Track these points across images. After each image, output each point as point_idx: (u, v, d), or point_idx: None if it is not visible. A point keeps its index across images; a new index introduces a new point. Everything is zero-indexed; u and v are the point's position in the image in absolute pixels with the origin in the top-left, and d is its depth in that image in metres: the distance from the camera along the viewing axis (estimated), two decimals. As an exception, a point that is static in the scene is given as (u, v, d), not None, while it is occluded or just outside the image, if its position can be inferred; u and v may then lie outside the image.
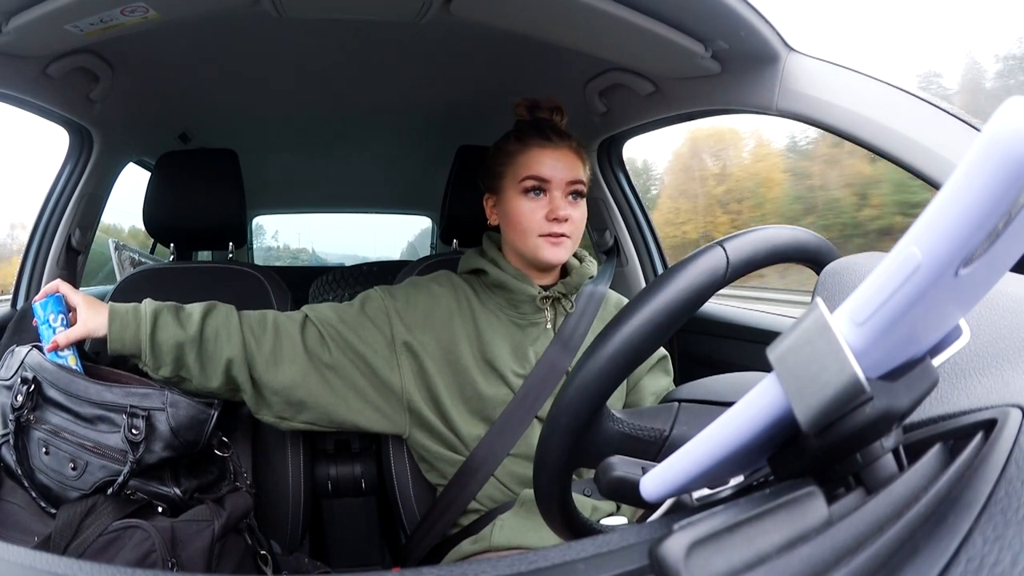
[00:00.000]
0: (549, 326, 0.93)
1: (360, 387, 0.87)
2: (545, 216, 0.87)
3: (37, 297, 0.83)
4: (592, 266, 0.98)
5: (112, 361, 0.90)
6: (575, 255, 0.98)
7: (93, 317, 0.82)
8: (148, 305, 0.85)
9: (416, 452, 0.95)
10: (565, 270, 0.97)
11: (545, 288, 0.93)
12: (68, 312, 0.83)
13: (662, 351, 1.01)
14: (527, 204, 0.88)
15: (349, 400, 0.87)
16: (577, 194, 0.90)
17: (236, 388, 0.86)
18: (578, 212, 0.90)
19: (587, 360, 0.44)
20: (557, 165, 0.88)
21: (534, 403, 0.88)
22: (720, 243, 0.46)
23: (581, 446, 0.45)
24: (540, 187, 0.88)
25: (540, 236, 0.88)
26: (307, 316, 0.89)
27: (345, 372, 0.87)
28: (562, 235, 0.88)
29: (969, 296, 0.31)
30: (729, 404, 0.30)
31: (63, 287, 0.84)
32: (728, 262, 0.44)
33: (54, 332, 0.81)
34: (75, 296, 0.83)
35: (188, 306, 0.87)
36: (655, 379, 0.98)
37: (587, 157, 0.93)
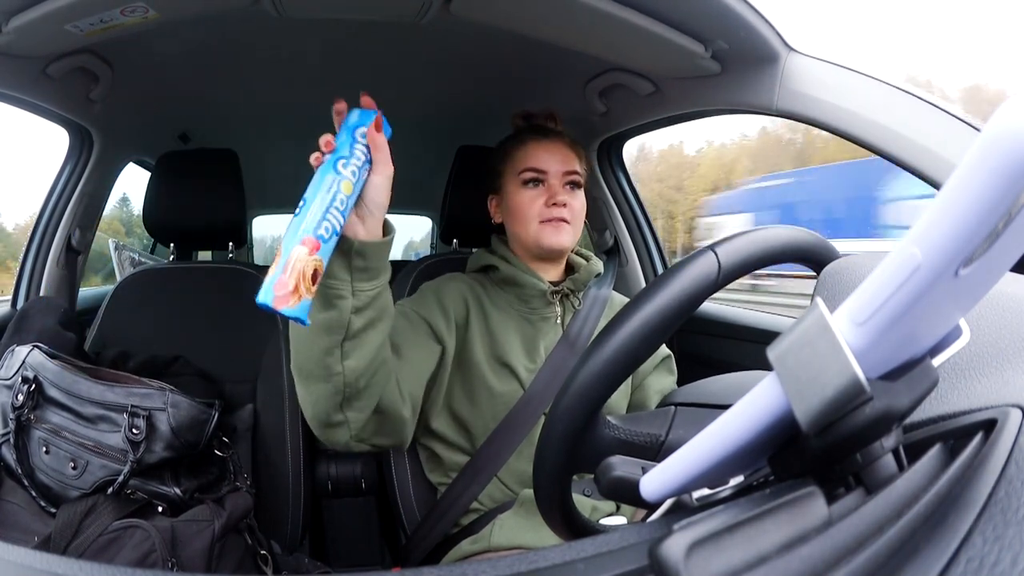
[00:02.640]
0: (558, 321, 0.95)
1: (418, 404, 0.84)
2: (544, 203, 0.90)
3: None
4: (598, 264, 0.99)
5: (112, 362, 0.90)
6: (581, 254, 1.00)
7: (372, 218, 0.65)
8: None
9: (423, 451, 0.95)
10: (572, 267, 0.98)
11: (554, 284, 0.94)
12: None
13: (666, 351, 1.02)
14: (527, 194, 0.92)
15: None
16: (574, 184, 0.93)
17: (360, 398, 0.69)
18: (577, 202, 0.93)
19: (580, 369, 0.44)
20: (553, 157, 0.92)
21: (540, 403, 0.88)
22: (711, 247, 0.45)
23: (577, 453, 0.45)
24: (538, 178, 0.92)
25: (541, 222, 0.90)
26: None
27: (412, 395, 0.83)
28: (562, 220, 0.90)
29: (969, 296, 0.31)
30: (726, 407, 0.30)
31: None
32: (720, 266, 0.44)
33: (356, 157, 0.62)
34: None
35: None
36: (660, 378, 0.99)
37: (582, 152, 0.96)
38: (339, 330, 0.63)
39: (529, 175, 0.92)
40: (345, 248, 0.62)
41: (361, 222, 0.64)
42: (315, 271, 0.56)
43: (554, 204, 0.90)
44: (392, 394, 0.72)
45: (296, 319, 0.57)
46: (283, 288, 0.55)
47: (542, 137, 0.94)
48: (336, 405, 0.67)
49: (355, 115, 0.64)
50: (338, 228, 0.58)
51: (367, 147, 0.63)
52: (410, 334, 0.84)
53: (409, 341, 0.82)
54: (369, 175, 0.63)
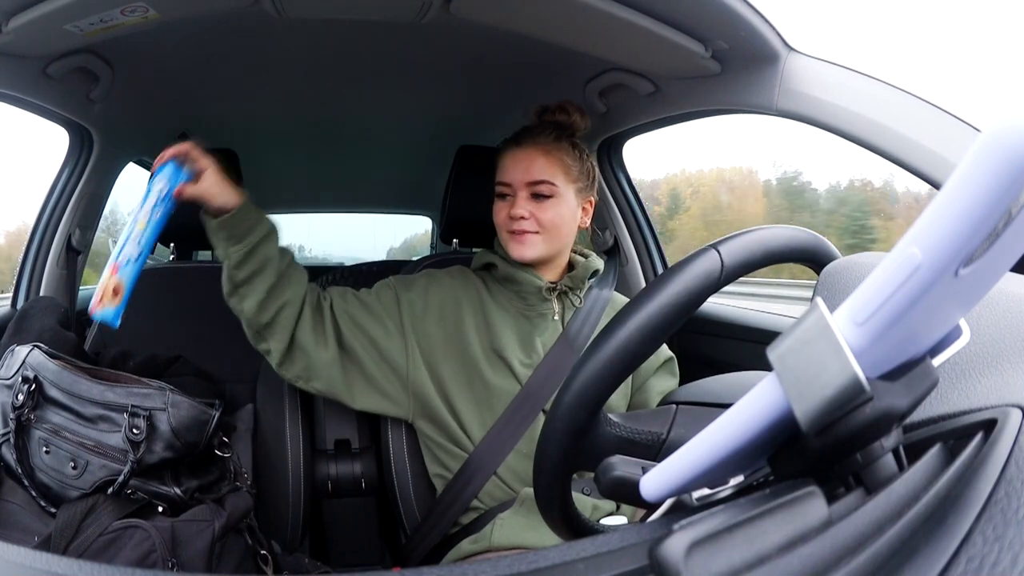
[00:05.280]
0: (557, 318, 0.96)
1: (369, 372, 0.90)
2: (508, 215, 0.92)
3: (161, 160, 0.81)
4: (597, 261, 1.00)
5: (112, 362, 0.90)
6: (580, 253, 1.01)
7: (222, 186, 0.84)
8: (269, 219, 0.88)
9: (421, 441, 0.97)
10: (571, 265, 0.99)
11: (552, 283, 0.95)
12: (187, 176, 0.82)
13: (668, 353, 1.02)
14: (498, 205, 0.95)
15: (357, 384, 0.91)
16: (539, 195, 0.91)
17: (272, 332, 0.87)
18: (543, 210, 0.91)
19: (583, 365, 0.44)
20: (516, 168, 0.93)
21: (538, 400, 0.89)
22: (714, 246, 0.46)
23: (579, 450, 0.45)
24: (505, 191, 0.94)
25: (508, 233, 0.93)
26: (332, 302, 0.91)
27: (356, 356, 0.90)
28: (524, 231, 0.91)
29: (969, 296, 0.31)
30: (727, 406, 0.30)
31: (194, 151, 0.82)
32: (723, 265, 0.44)
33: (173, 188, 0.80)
34: (206, 160, 0.83)
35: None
36: (661, 380, 0.99)
37: (567, 158, 0.93)
38: (229, 281, 0.85)
39: (499, 188, 0.94)
40: (209, 227, 0.84)
41: (212, 205, 0.83)
42: (116, 287, 0.75)
43: (510, 217, 0.91)
44: (303, 333, 0.87)
45: (104, 321, 0.75)
46: (96, 300, 0.75)
47: (515, 146, 0.94)
48: (254, 335, 0.88)
49: (160, 173, 0.80)
50: (136, 255, 0.78)
51: (161, 191, 0.80)
52: (368, 300, 0.94)
53: (363, 304, 0.93)
54: (188, 186, 0.81)
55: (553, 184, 0.91)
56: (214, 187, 0.82)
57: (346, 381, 0.90)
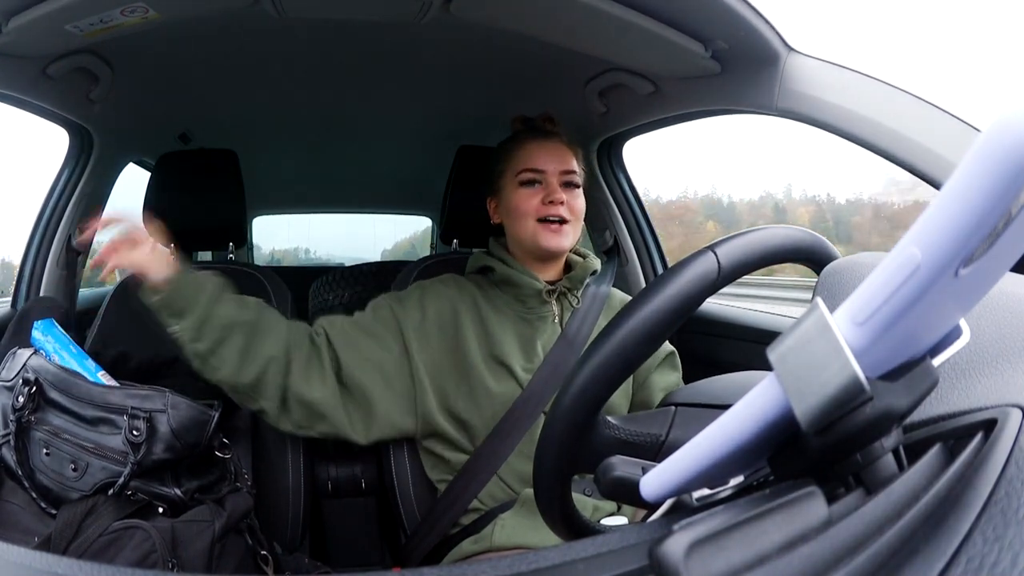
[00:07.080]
0: (556, 320, 0.95)
1: (376, 402, 0.88)
2: (542, 200, 0.91)
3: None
4: (595, 261, 1.00)
5: (112, 362, 0.90)
6: (578, 252, 1.00)
7: (160, 259, 0.79)
8: (215, 276, 0.83)
9: (424, 450, 0.96)
10: (569, 265, 0.99)
11: (551, 284, 0.94)
12: (69, 340, 0.85)
13: (670, 347, 1.02)
14: (524, 192, 0.93)
15: (363, 418, 0.88)
16: (571, 184, 0.94)
17: (259, 392, 0.84)
18: (576, 201, 0.94)
19: (580, 368, 0.44)
20: (550, 157, 0.93)
21: (539, 401, 0.89)
22: (711, 247, 0.46)
23: (577, 453, 0.45)
24: (535, 178, 0.93)
25: (538, 221, 0.91)
26: (327, 334, 0.89)
27: (360, 388, 0.87)
28: (560, 220, 0.91)
29: (969, 296, 0.31)
30: (726, 407, 0.30)
31: (132, 223, 0.79)
32: (719, 267, 0.44)
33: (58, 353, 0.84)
34: (146, 233, 0.79)
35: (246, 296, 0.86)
36: (664, 375, 0.99)
37: (580, 153, 0.97)
38: (194, 356, 0.81)
39: (527, 175, 0.93)
40: (151, 303, 0.79)
41: (149, 279, 0.78)
42: None
43: (551, 202, 0.91)
44: (296, 382, 0.83)
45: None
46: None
47: (540, 138, 0.95)
48: (241, 398, 0.85)
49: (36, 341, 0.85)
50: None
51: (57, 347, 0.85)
52: (366, 324, 0.91)
53: (363, 329, 0.90)
54: (125, 254, 0.77)
55: (580, 175, 0.95)
56: (150, 261, 0.77)
57: (351, 418, 0.87)
